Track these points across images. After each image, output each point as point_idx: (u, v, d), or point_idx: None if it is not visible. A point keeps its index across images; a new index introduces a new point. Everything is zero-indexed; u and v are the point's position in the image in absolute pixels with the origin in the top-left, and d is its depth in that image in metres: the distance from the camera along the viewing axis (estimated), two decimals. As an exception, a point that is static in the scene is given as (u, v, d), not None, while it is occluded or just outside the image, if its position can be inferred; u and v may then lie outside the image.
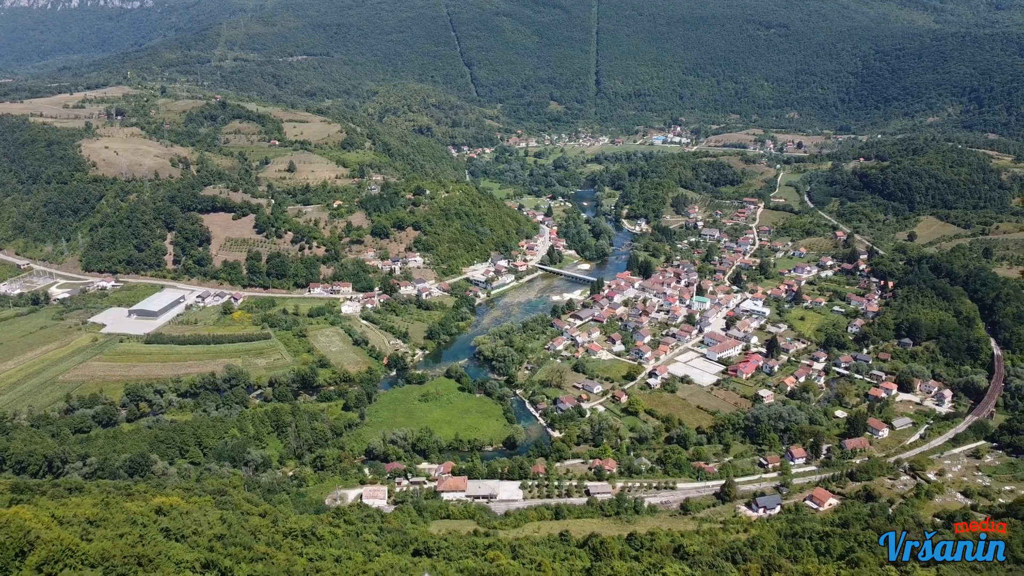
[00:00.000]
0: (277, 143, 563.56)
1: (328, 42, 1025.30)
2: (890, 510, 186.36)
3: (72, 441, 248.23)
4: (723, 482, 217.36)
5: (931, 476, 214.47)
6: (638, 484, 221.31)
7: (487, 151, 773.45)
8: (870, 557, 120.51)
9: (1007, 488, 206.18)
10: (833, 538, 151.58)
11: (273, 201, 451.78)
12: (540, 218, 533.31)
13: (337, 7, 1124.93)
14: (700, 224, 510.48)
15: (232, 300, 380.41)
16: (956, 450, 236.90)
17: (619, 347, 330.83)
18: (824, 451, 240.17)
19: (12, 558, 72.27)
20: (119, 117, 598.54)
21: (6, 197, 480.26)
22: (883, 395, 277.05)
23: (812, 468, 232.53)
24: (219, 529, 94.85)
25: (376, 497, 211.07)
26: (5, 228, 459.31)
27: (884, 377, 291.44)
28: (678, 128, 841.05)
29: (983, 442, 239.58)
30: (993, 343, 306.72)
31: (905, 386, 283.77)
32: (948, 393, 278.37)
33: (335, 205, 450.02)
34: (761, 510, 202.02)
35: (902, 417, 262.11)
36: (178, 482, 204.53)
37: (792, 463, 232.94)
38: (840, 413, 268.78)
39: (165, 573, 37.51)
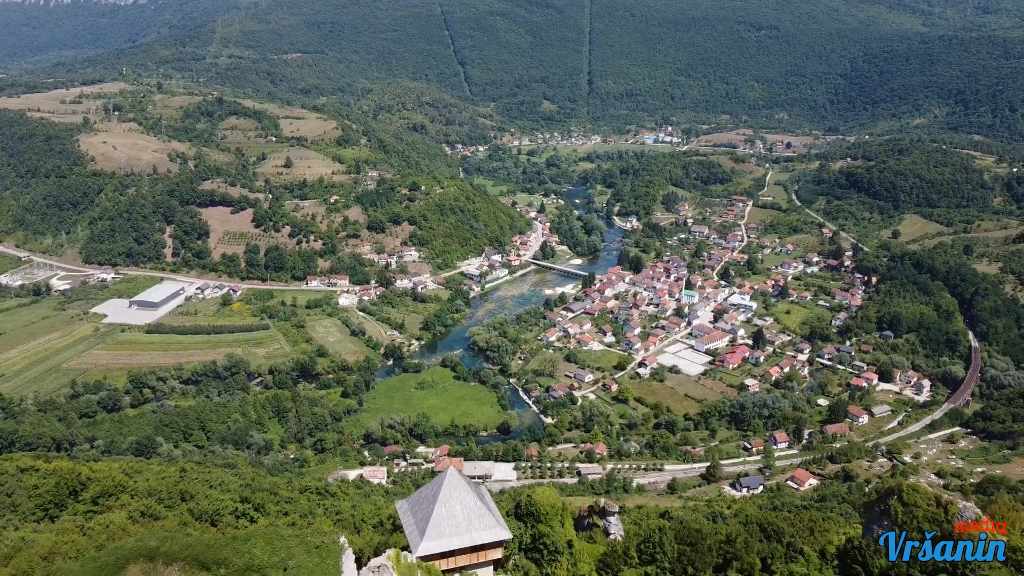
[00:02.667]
0: (274, 139, 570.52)
1: (322, 40, 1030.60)
2: (867, 488, 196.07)
3: (79, 425, 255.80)
4: (709, 464, 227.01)
5: (907, 459, 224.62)
6: (627, 466, 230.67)
7: (481, 149, 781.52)
8: (840, 519, 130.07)
9: (979, 470, 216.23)
10: (810, 511, 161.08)
11: (271, 196, 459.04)
12: (533, 214, 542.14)
13: (331, 5, 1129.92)
14: (690, 221, 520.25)
15: (231, 292, 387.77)
16: (932, 435, 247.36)
17: (610, 338, 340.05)
18: (806, 436, 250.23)
19: (67, 495, 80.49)
20: (116, 113, 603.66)
21: (5, 191, 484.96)
22: (864, 384, 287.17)
23: (794, 452, 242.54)
24: (244, 482, 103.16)
25: (376, 476, 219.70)
26: (5, 221, 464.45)
27: (865, 368, 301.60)
28: (669, 128, 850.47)
29: (958, 428, 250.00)
30: (971, 336, 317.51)
31: (885, 376, 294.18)
32: (927, 383, 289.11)
33: (332, 200, 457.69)
34: (745, 489, 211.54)
35: (881, 405, 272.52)
36: (187, 460, 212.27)
37: (775, 447, 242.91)
38: (822, 401, 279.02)
39: (210, 502, 43.96)
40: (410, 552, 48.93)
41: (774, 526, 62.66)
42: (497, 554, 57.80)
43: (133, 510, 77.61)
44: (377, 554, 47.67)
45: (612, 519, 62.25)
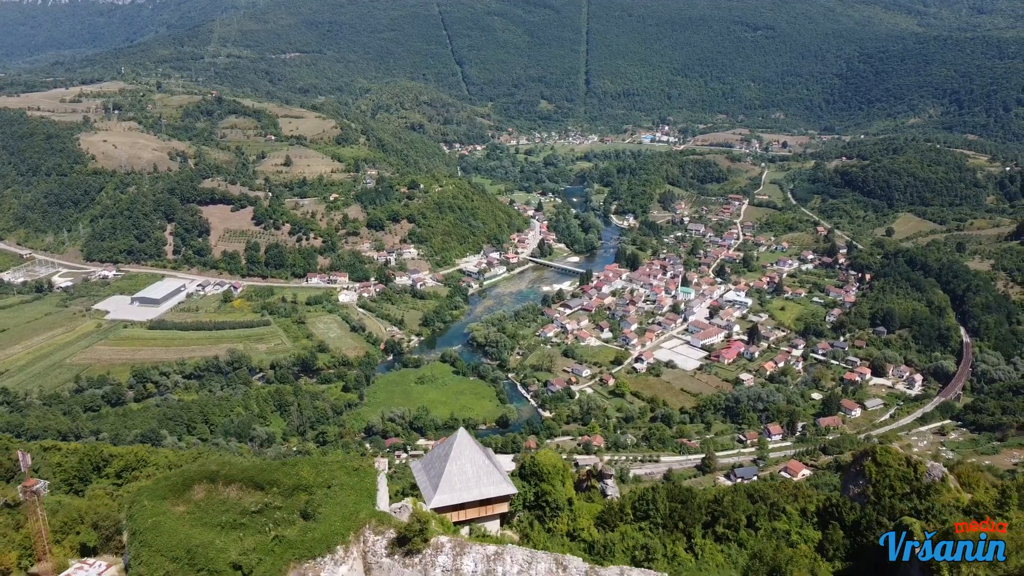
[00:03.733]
0: (273, 138, 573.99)
1: (321, 39, 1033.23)
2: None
3: (84, 419, 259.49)
4: (704, 456, 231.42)
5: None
6: (624, 457, 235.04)
7: (478, 148, 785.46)
8: (824, 489, 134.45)
9: (969, 461, 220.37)
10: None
11: (270, 194, 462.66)
12: (531, 213, 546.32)
13: (329, 5, 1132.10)
14: (686, 219, 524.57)
15: (232, 289, 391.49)
16: (923, 428, 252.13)
17: (607, 334, 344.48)
18: (799, 428, 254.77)
19: (91, 471, 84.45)
20: (116, 112, 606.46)
21: (6, 189, 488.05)
22: (857, 379, 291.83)
23: (788, 444, 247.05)
24: (259, 461, 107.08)
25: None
26: (6, 219, 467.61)
27: (859, 362, 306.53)
28: (666, 127, 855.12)
29: (949, 421, 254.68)
30: (963, 331, 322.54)
31: (878, 371, 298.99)
32: (919, 377, 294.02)
33: (331, 198, 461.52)
34: (739, 479, 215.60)
35: (874, 399, 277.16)
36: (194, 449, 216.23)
37: (769, 439, 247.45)
38: (816, 395, 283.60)
39: (230, 475, 47.90)
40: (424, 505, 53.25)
41: (760, 492, 66.87)
42: (503, 509, 62.33)
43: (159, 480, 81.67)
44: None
45: (609, 481, 66.43)
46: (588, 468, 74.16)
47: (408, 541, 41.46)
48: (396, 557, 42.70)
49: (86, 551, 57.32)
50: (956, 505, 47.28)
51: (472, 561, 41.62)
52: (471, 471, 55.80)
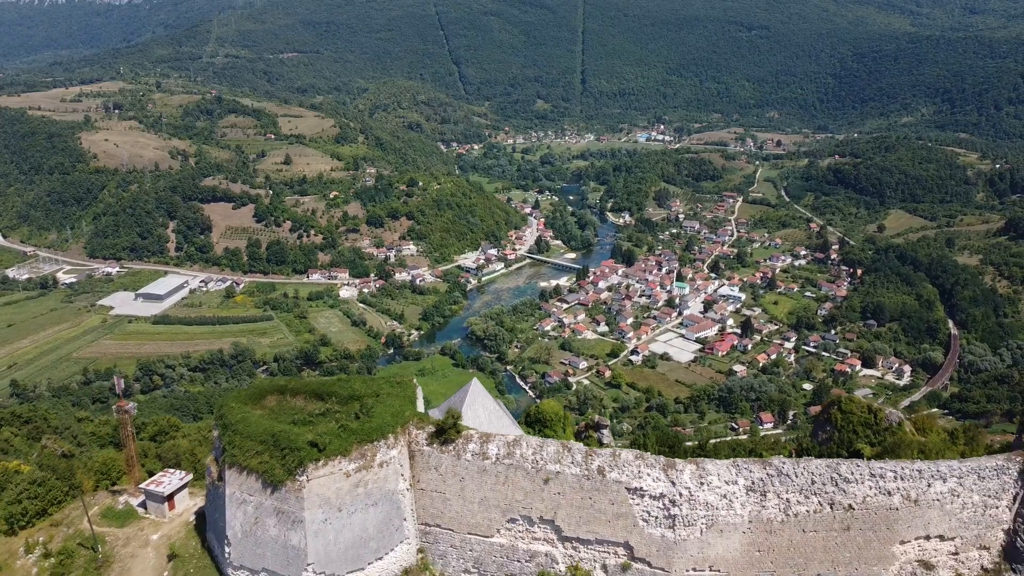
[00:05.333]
0: (272, 137, 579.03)
1: (318, 39, 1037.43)
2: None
3: (92, 410, 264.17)
4: (696, 443, 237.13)
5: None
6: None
7: (476, 147, 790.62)
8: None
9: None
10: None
11: (271, 192, 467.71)
12: (528, 210, 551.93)
13: (327, 5, 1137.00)
14: (681, 217, 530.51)
15: (234, 285, 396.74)
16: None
17: (603, 328, 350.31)
18: (790, 417, 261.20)
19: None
20: (116, 111, 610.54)
21: (9, 187, 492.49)
22: (847, 370, 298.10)
23: (779, 431, 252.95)
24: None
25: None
26: (10, 217, 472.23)
27: (849, 354, 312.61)
28: (661, 126, 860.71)
29: (935, 409, 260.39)
30: (951, 324, 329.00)
31: (868, 362, 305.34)
32: (907, 368, 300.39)
33: (331, 196, 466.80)
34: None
35: (863, 388, 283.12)
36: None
37: (761, 427, 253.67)
38: (807, 386, 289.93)
39: (296, 388, 59.19)
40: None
41: (743, 445, 72.89)
42: None
43: (194, 439, 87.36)
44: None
45: (605, 431, 72.22)
46: (586, 420, 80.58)
47: (444, 432, 50.04)
48: (435, 446, 51.60)
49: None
50: (908, 443, 53.23)
51: (495, 447, 49.28)
52: (484, 416, 61.75)
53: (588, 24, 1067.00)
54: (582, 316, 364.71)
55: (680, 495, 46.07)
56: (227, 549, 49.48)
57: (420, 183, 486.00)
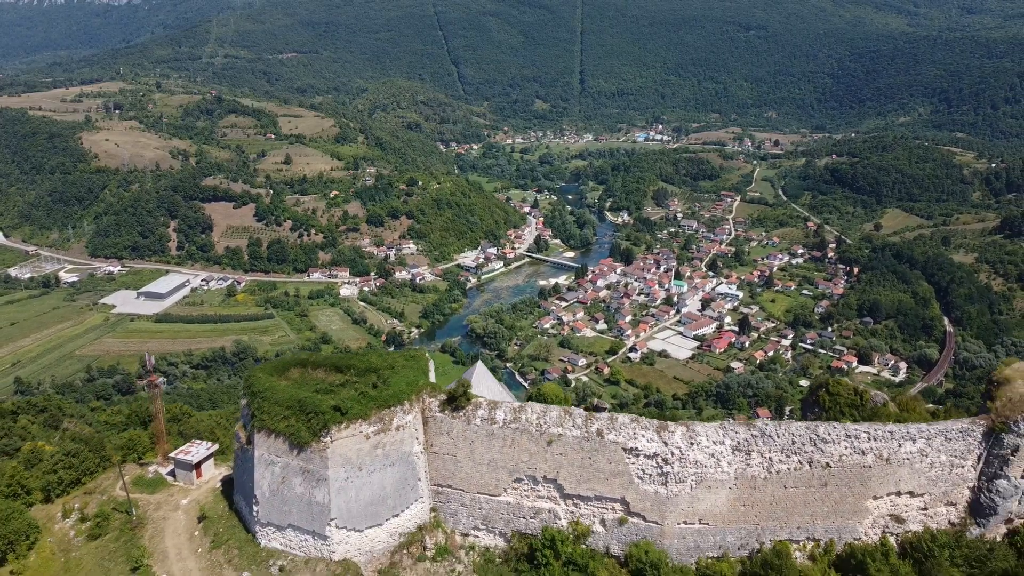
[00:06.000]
0: (273, 137, 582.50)
1: (317, 40, 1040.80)
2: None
3: (96, 406, 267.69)
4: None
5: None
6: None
7: (475, 147, 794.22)
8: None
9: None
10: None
11: (272, 191, 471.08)
12: (527, 209, 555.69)
13: (326, 5, 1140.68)
14: (679, 216, 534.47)
15: (235, 283, 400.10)
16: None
17: (602, 325, 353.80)
18: (787, 412, 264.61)
19: (139, 424, 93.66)
20: (117, 111, 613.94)
21: (10, 187, 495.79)
22: (844, 367, 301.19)
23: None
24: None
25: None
26: (12, 216, 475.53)
27: (845, 351, 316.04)
28: (660, 126, 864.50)
29: (930, 405, 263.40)
30: (946, 321, 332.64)
31: (864, 359, 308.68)
32: (903, 365, 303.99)
33: (332, 195, 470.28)
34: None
35: (859, 385, 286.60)
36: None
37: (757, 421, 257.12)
38: (804, 382, 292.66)
39: (317, 362, 63.89)
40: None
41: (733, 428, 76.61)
42: None
43: (213, 423, 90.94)
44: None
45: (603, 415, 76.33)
46: (586, 406, 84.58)
47: (455, 400, 54.29)
48: (447, 412, 55.89)
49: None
50: (887, 415, 57.01)
51: (503, 412, 53.66)
52: (488, 394, 65.17)
53: (587, 24, 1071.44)
54: (581, 314, 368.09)
55: (672, 454, 50.06)
56: (255, 508, 53.57)
57: (420, 182, 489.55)
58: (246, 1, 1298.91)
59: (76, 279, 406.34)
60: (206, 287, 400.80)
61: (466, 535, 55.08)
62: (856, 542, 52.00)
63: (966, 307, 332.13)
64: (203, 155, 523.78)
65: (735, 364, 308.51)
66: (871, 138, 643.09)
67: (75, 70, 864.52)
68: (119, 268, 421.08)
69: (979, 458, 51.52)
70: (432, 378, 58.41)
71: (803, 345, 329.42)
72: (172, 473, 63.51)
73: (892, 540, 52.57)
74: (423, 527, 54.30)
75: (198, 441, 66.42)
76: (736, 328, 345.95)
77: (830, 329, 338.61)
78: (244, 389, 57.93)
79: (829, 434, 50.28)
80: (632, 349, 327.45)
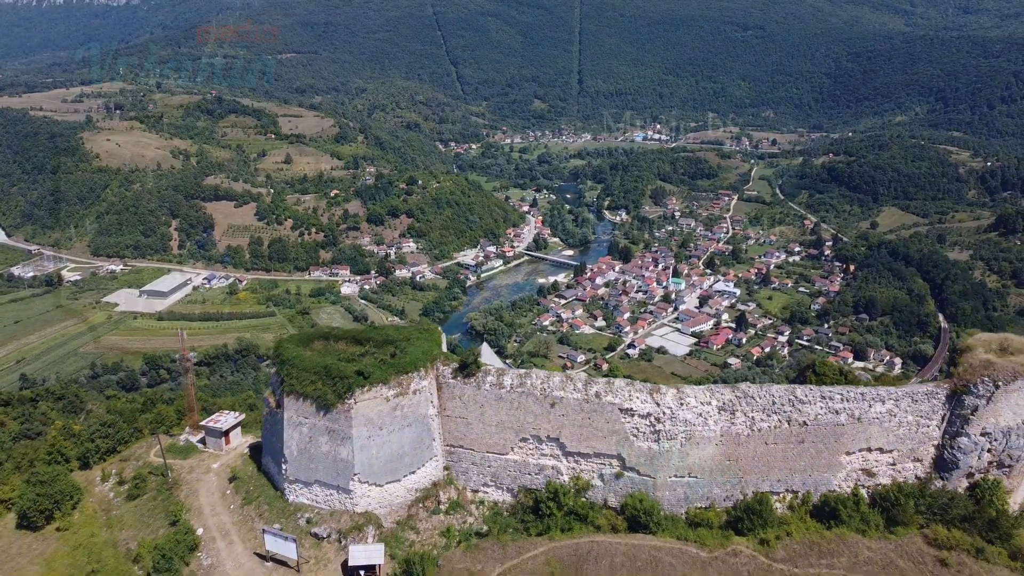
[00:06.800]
0: (273, 136, 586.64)
1: (316, 40, 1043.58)
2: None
3: (112, 394, 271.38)
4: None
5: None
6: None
7: (474, 147, 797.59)
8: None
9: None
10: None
11: (272, 190, 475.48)
12: (526, 208, 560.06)
13: (324, 6, 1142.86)
14: (677, 214, 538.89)
15: (237, 282, 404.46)
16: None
17: (601, 323, 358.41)
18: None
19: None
20: (118, 111, 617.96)
21: (12, 187, 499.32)
22: (839, 362, 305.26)
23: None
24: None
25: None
26: (14, 216, 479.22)
27: (841, 347, 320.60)
28: (658, 126, 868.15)
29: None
30: (941, 317, 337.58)
31: (860, 355, 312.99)
32: (898, 360, 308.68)
33: (332, 194, 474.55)
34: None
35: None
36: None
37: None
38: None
39: (338, 334, 68.31)
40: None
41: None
42: None
43: (227, 407, 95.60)
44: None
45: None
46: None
47: (467, 367, 58.53)
48: (459, 379, 61.88)
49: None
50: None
51: (510, 378, 58.72)
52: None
53: (584, 25, 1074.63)
54: (580, 311, 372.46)
55: (664, 414, 54.83)
56: (284, 466, 58.59)
57: (420, 182, 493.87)
58: (245, 2, 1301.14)
59: (79, 278, 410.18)
60: (208, 285, 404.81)
61: (476, 491, 60.47)
62: (831, 493, 56.86)
63: (961, 304, 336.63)
64: (204, 155, 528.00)
65: (732, 360, 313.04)
66: (868, 137, 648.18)
67: (75, 71, 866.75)
68: (121, 267, 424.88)
69: (943, 418, 56.19)
70: (444, 348, 63.24)
71: (799, 341, 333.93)
72: (202, 441, 68.17)
73: (863, 492, 57.47)
74: (437, 483, 59.68)
75: (226, 411, 71.17)
76: (733, 325, 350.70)
77: (826, 326, 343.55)
78: (273, 358, 62.86)
79: (806, 395, 55.06)
80: (630, 346, 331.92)
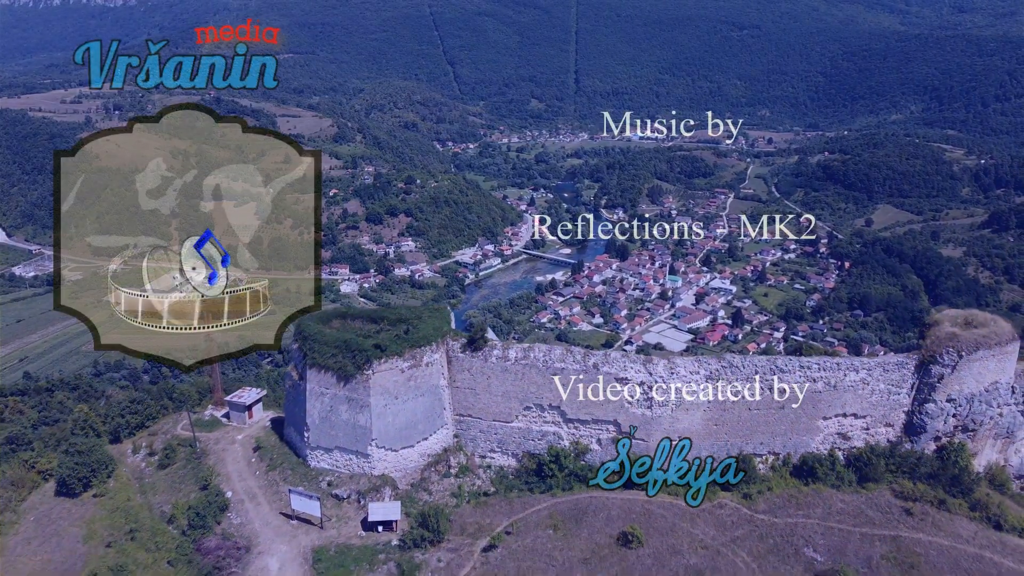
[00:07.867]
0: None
1: (313, 40, 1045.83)
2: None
3: (125, 385, 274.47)
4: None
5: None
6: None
7: (471, 146, 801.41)
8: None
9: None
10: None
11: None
12: (524, 207, 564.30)
13: (321, 6, 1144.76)
14: (674, 212, 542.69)
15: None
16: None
17: (598, 320, 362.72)
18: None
19: (167, 399, 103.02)
20: (117, 112, 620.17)
21: (12, 187, 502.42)
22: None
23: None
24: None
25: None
26: (14, 216, 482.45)
27: (836, 343, 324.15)
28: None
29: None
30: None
31: (854, 350, 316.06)
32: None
33: (331, 193, 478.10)
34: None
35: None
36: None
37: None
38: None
39: (354, 314, 72.66)
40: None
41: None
42: None
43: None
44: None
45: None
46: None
47: (475, 342, 63.58)
48: (467, 352, 67.10)
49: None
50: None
51: (514, 351, 63.75)
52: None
53: (581, 24, 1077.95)
54: (577, 308, 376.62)
55: (656, 382, 59.30)
56: (306, 434, 63.69)
57: (418, 181, 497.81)
58: (242, 3, 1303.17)
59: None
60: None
61: (484, 456, 65.29)
62: (809, 454, 61.81)
63: (954, 300, 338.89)
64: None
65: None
66: (863, 135, 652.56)
67: (73, 72, 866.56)
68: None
69: (912, 386, 60.94)
70: (453, 325, 68.08)
71: (795, 337, 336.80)
72: (226, 416, 72.66)
73: (839, 454, 62.25)
74: (448, 449, 64.88)
75: (248, 388, 75.70)
76: (729, 321, 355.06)
77: (821, 322, 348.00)
78: (295, 335, 67.47)
79: (786, 365, 59.69)
80: (628, 342, 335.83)
